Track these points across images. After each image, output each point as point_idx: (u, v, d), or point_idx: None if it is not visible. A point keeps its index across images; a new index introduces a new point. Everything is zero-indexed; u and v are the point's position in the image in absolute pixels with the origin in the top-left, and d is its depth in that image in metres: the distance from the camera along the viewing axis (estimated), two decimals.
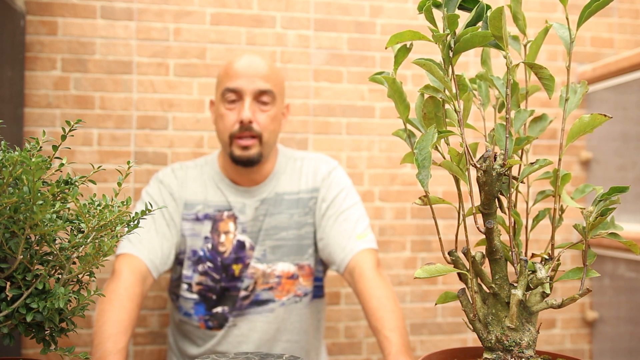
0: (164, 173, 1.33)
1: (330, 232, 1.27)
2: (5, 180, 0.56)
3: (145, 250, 1.20)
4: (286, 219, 1.30)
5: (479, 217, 0.64)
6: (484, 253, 0.66)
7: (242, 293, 1.27)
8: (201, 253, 1.27)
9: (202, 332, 1.29)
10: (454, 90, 0.61)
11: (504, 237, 0.65)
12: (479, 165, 0.61)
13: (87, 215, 0.62)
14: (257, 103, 1.24)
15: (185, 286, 1.29)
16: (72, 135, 0.69)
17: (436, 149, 0.65)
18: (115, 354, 0.98)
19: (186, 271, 1.28)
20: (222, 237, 1.28)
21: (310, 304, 1.34)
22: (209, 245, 1.28)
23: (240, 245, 1.29)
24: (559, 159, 0.63)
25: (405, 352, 1.02)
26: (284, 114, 1.34)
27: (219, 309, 1.28)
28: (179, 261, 1.30)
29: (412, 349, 1.07)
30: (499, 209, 0.65)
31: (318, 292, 1.37)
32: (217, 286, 1.27)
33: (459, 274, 0.66)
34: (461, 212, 0.63)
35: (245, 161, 1.25)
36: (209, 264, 1.27)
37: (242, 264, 1.28)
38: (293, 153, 1.39)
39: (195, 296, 1.28)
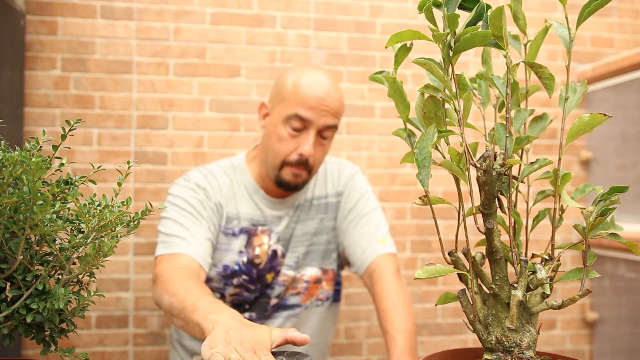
0: (197, 177, 1.25)
1: (352, 234, 1.28)
2: (5, 180, 0.56)
3: (193, 247, 1.14)
4: (317, 224, 1.30)
5: (479, 217, 0.64)
6: (484, 253, 0.66)
7: (274, 301, 1.27)
8: (236, 267, 1.24)
9: None
10: (454, 90, 0.61)
11: (504, 238, 0.65)
12: (479, 165, 0.61)
13: (87, 216, 0.62)
14: (319, 137, 1.19)
15: (217, 295, 1.27)
16: (72, 135, 0.69)
17: (436, 148, 0.65)
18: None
19: (217, 284, 1.25)
20: (257, 250, 1.26)
21: (330, 307, 1.34)
22: (244, 259, 1.25)
23: (274, 254, 1.28)
24: (559, 159, 0.63)
25: (410, 355, 1.02)
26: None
27: (246, 315, 1.27)
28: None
29: (416, 352, 1.09)
30: (499, 209, 0.64)
31: (337, 295, 1.38)
32: (252, 296, 1.27)
33: (459, 274, 0.66)
34: (461, 212, 0.63)
35: (292, 187, 1.22)
36: (244, 277, 1.25)
37: (274, 272, 1.27)
38: None
39: (228, 305, 1.27)
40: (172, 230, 1.15)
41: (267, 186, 1.27)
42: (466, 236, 0.63)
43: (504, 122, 0.62)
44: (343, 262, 1.35)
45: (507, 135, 0.61)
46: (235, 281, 1.25)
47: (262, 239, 1.27)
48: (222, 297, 1.27)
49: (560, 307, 0.62)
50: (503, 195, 0.64)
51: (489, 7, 0.59)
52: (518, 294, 0.61)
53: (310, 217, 1.30)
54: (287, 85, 1.19)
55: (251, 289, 1.26)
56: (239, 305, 1.27)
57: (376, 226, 1.27)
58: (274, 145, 1.20)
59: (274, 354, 0.77)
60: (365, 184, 1.35)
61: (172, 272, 1.07)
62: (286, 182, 1.21)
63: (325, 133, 1.19)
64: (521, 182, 0.65)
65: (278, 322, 1.28)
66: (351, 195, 1.32)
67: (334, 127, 1.20)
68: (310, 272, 1.29)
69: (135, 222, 0.65)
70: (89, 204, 0.64)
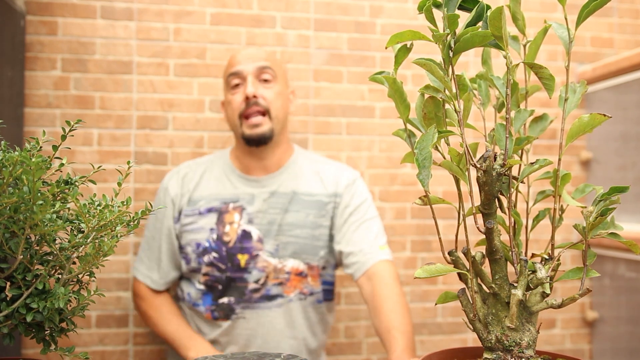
0: (169, 176, 1.39)
1: (352, 237, 1.31)
2: (5, 180, 0.56)
3: (157, 276, 1.36)
4: (302, 217, 1.32)
5: (479, 217, 0.64)
6: (484, 253, 0.66)
7: (252, 286, 1.29)
8: (206, 244, 1.30)
9: (209, 322, 1.31)
10: (454, 90, 0.61)
11: (504, 237, 0.65)
12: (479, 165, 0.61)
13: (87, 215, 0.62)
14: (259, 82, 1.30)
15: (195, 279, 1.32)
16: (72, 135, 0.69)
17: (436, 149, 0.65)
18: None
19: (194, 264, 1.31)
20: (227, 228, 1.30)
21: (317, 304, 1.36)
22: (214, 236, 1.30)
23: (246, 235, 1.30)
24: (559, 159, 0.63)
25: (410, 354, 1.07)
26: (290, 99, 1.38)
27: (224, 300, 1.30)
28: (182, 256, 1.34)
29: (415, 352, 1.12)
30: (499, 209, 0.65)
31: (327, 295, 1.39)
32: (223, 276, 1.29)
33: (459, 274, 0.66)
34: (461, 212, 0.63)
35: (257, 139, 1.28)
36: (214, 254, 1.29)
37: (249, 255, 1.29)
38: (312, 155, 1.44)
39: (202, 287, 1.31)
40: (143, 251, 1.38)
41: (243, 166, 1.36)
42: (466, 236, 0.63)
43: (504, 123, 0.62)
44: (338, 263, 1.38)
45: (507, 135, 0.61)
46: (206, 259, 1.29)
47: (233, 217, 1.31)
48: (199, 280, 1.32)
49: (560, 306, 0.62)
50: (503, 195, 0.64)
51: (488, 7, 0.60)
52: (518, 293, 0.61)
53: (296, 209, 1.32)
54: (224, 71, 1.38)
55: (222, 269, 1.29)
56: (212, 287, 1.30)
57: (376, 234, 1.32)
58: (228, 112, 1.33)
59: (269, 356, 0.77)
60: (366, 190, 1.39)
61: (154, 310, 1.34)
62: (249, 135, 1.29)
63: (263, 76, 1.30)
64: (521, 182, 0.65)
65: (264, 314, 1.29)
66: (352, 200, 1.35)
67: (268, 68, 1.31)
68: (292, 263, 1.31)
69: (135, 222, 0.65)
70: (89, 204, 0.64)
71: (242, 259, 1.29)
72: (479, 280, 0.66)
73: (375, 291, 1.21)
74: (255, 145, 1.29)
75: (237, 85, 1.30)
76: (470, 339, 1.76)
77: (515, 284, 0.62)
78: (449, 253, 0.66)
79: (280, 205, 1.32)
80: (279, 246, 1.30)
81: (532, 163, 0.64)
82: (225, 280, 1.29)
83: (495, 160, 0.61)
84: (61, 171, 0.66)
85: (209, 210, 1.32)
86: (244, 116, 1.28)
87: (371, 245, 1.28)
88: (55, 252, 0.62)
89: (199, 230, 1.31)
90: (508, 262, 0.65)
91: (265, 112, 1.28)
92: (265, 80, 1.30)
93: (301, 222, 1.32)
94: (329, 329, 1.43)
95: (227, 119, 1.36)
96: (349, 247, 1.30)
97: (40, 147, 0.64)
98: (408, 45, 0.64)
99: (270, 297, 1.30)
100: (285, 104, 1.33)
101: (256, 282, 1.29)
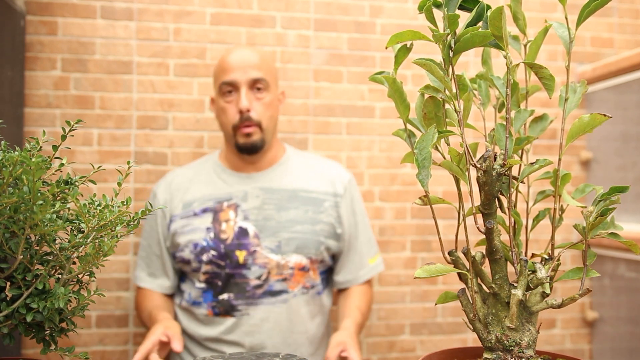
0: (158, 184, 1.42)
1: (349, 252, 1.41)
2: (5, 180, 0.56)
3: (168, 283, 1.39)
4: (302, 214, 1.34)
5: (479, 217, 0.64)
6: (484, 253, 0.66)
7: (254, 282, 1.30)
8: (204, 243, 1.30)
9: (210, 319, 1.31)
10: (454, 90, 0.61)
11: (504, 237, 0.65)
12: (479, 165, 0.61)
13: (87, 215, 0.62)
14: (252, 92, 1.32)
15: (195, 277, 1.32)
16: (72, 135, 0.69)
17: (436, 149, 0.65)
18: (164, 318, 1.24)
19: (194, 264, 1.31)
20: (224, 225, 1.32)
21: (318, 296, 1.38)
22: (211, 235, 1.31)
23: (243, 231, 1.31)
24: (559, 159, 0.63)
25: (358, 331, 1.29)
26: (280, 99, 1.42)
27: (224, 296, 1.30)
28: (179, 259, 1.34)
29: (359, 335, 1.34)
30: (499, 209, 0.64)
31: (324, 284, 1.41)
32: (222, 272, 1.30)
33: (459, 274, 0.66)
34: (461, 212, 0.63)
35: (250, 147, 1.32)
36: (212, 252, 1.30)
37: (247, 251, 1.30)
38: (304, 153, 1.48)
39: (203, 285, 1.31)
40: (142, 259, 1.41)
41: (233, 164, 1.39)
42: (466, 236, 0.63)
43: (504, 123, 0.62)
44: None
45: (507, 135, 0.61)
46: (204, 257, 1.30)
47: (229, 214, 1.33)
48: (198, 278, 1.33)
49: (560, 306, 0.62)
50: (503, 195, 0.64)
51: (489, 7, 0.60)
52: (518, 293, 0.61)
53: (294, 206, 1.35)
54: (215, 69, 1.37)
55: (221, 265, 1.30)
56: (212, 284, 1.31)
57: (368, 244, 1.44)
58: (222, 118, 1.35)
59: (268, 356, 0.77)
60: (359, 192, 1.48)
61: (147, 311, 1.35)
62: (242, 144, 1.32)
63: (256, 86, 1.32)
64: (521, 182, 0.65)
65: (268, 309, 1.30)
66: (356, 206, 1.43)
67: (261, 80, 1.31)
68: (296, 259, 1.32)
69: (135, 222, 0.65)
70: (89, 204, 0.64)
71: (240, 255, 1.30)
72: (479, 280, 0.66)
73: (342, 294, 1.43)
74: (247, 153, 1.34)
75: (229, 92, 1.32)
76: (470, 339, 1.76)
77: (515, 284, 0.62)
78: (449, 253, 0.66)
79: (276, 202, 1.34)
80: (282, 242, 1.31)
81: (532, 163, 0.64)
82: (224, 276, 1.30)
83: (495, 160, 0.61)
84: (61, 171, 0.66)
85: (204, 211, 1.33)
86: (238, 127, 1.32)
87: (360, 267, 1.42)
88: (55, 252, 0.62)
89: (194, 230, 1.32)
90: (508, 262, 0.65)
91: (256, 125, 1.32)
92: (258, 89, 1.32)
93: (301, 218, 1.34)
94: (328, 316, 1.44)
95: (219, 122, 1.38)
96: (341, 262, 1.42)
97: (40, 147, 0.64)
98: (408, 45, 0.64)
99: (273, 293, 1.30)
100: (275, 112, 1.36)
101: (258, 278, 1.30)
